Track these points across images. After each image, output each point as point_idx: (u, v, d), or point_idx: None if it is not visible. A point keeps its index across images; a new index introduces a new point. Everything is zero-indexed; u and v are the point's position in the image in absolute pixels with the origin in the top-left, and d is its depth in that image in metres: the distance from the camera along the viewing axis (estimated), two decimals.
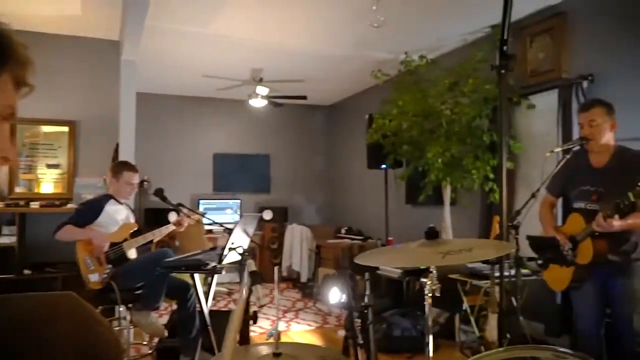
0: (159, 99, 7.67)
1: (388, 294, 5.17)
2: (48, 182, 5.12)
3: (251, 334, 3.05)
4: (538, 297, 3.91)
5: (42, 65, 4.98)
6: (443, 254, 1.62)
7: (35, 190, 5.06)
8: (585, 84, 3.94)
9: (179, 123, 7.96)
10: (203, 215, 3.73)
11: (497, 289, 3.20)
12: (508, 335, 2.08)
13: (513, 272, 2.96)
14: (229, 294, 6.56)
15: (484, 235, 4.70)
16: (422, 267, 1.73)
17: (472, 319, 4.04)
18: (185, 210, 3.56)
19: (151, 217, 6.66)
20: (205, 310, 3.20)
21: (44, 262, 4.71)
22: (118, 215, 3.60)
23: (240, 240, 2.67)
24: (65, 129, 5.19)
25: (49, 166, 5.14)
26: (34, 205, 4.77)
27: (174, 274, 3.53)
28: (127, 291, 3.32)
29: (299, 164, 8.80)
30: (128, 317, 3.45)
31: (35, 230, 4.75)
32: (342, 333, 2.56)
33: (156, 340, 3.76)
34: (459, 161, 4.51)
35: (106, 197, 3.63)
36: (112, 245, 3.43)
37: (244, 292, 2.17)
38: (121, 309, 3.63)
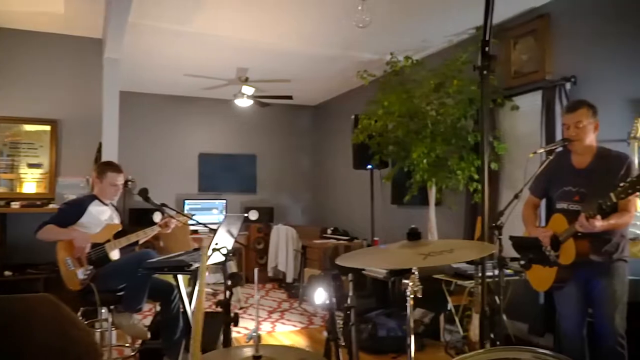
0: (143, 98, 7.59)
1: (374, 294, 5.19)
2: (30, 181, 5.03)
3: (234, 335, 3.03)
4: (521, 297, 3.95)
5: (23, 63, 4.97)
6: (424, 255, 1.62)
7: (17, 190, 4.97)
8: (568, 85, 3.98)
9: (163, 122, 7.89)
10: (191, 217, 3.66)
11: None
12: (492, 335, 2.09)
13: (497, 272, 2.97)
14: (214, 295, 6.52)
15: (469, 235, 4.73)
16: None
17: (457, 319, 4.06)
18: (168, 211, 3.52)
19: (136, 217, 6.61)
20: (189, 312, 3.17)
21: (25, 264, 4.63)
22: (102, 216, 3.54)
23: (224, 240, 2.64)
24: (47, 127, 5.10)
25: (31, 166, 5.05)
26: (15, 205, 4.68)
27: (158, 275, 3.49)
28: (109, 292, 3.27)
29: (285, 164, 8.78)
30: (110, 319, 3.40)
31: (16, 231, 4.68)
32: (326, 334, 2.56)
33: (139, 342, 3.72)
34: (444, 162, 4.54)
35: (90, 198, 3.57)
36: (94, 245, 3.37)
37: (197, 290, 2.13)
38: (103, 310, 3.58)
